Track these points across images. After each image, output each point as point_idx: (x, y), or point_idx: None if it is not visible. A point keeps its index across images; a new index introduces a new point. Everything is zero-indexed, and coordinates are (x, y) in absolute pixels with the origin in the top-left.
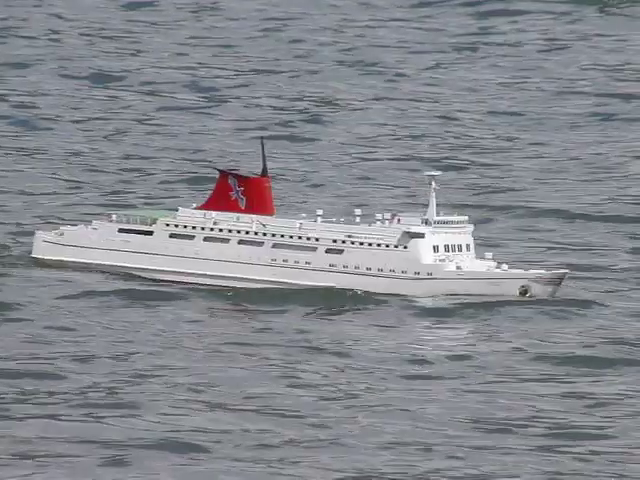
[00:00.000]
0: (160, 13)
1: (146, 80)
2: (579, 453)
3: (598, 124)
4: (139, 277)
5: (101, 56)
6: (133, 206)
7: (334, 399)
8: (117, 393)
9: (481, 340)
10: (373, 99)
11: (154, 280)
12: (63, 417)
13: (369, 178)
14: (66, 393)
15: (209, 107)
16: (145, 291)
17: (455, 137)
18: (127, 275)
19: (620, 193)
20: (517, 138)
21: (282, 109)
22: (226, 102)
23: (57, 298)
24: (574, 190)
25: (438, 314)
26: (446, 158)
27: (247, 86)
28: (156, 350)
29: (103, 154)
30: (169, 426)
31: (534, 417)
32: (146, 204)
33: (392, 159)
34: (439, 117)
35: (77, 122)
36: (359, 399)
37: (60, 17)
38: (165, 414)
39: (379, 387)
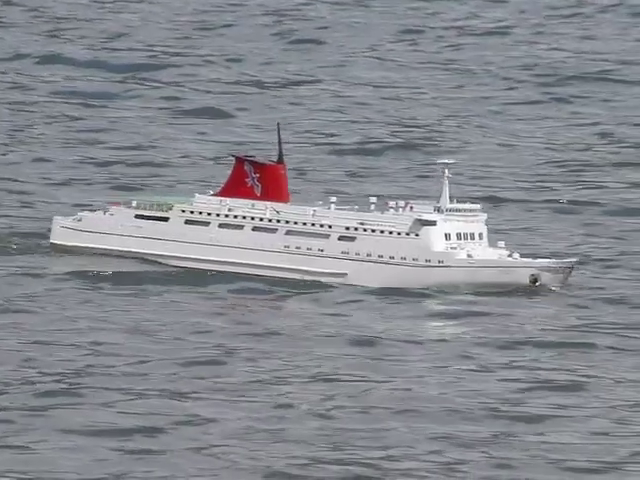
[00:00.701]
0: None
1: (85, 62)
2: (537, 442)
3: (544, 108)
4: (129, 261)
5: (41, 40)
6: (66, 184)
7: (284, 384)
8: (72, 380)
9: (434, 325)
10: (319, 81)
11: (150, 264)
12: (18, 404)
13: (320, 162)
14: (23, 379)
15: (150, 89)
16: (122, 277)
17: (401, 119)
18: (141, 260)
19: (567, 180)
20: (466, 122)
21: (223, 93)
22: (171, 85)
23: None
24: (520, 175)
25: (388, 295)
26: (393, 141)
27: (198, 67)
28: (120, 337)
29: (45, 137)
30: (122, 411)
31: (488, 403)
32: (88, 184)
33: (344, 143)
34: (386, 99)
35: (11, 104)
36: (311, 384)
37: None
38: (118, 400)
39: (332, 371)
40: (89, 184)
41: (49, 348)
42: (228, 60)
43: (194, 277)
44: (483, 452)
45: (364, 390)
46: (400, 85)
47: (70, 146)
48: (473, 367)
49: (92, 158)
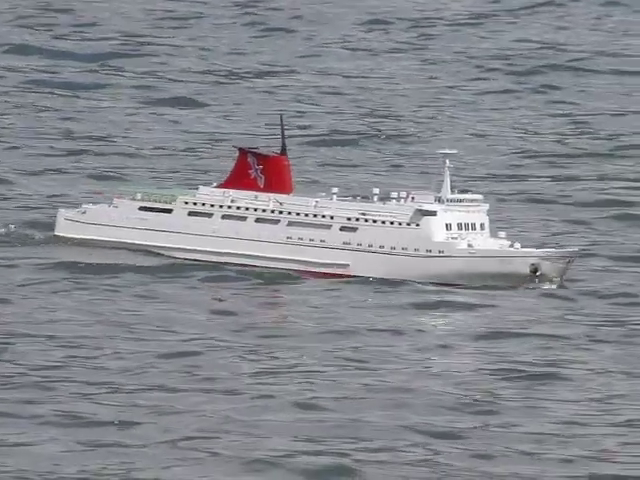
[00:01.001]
0: None
1: (56, 51)
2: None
3: (517, 98)
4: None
5: (11, 29)
6: (39, 174)
7: (263, 375)
8: (49, 372)
9: (414, 315)
10: (291, 71)
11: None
12: None
13: (293, 152)
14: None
15: (121, 79)
16: (104, 268)
17: (374, 110)
18: (145, 253)
19: (540, 170)
20: (438, 112)
21: (195, 83)
22: (143, 75)
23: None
24: (492, 166)
25: (368, 286)
26: (366, 131)
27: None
28: (99, 328)
29: (16, 126)
30: (100, 404)
31: (467, 394)
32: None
33: (316, 134)
34: (359, 89)
35: None
36: (291, 375)
37: None
38: (96, 393)
39: (312, 362)
40: (62, 173)
41: (26, 339)
42: (200, 50)
43: (175, 268)
44: (462, 443)
45: (344, 381)
46: (372, 75)
47: (42, 136)
48: (452, 358)
49: (64, 148)
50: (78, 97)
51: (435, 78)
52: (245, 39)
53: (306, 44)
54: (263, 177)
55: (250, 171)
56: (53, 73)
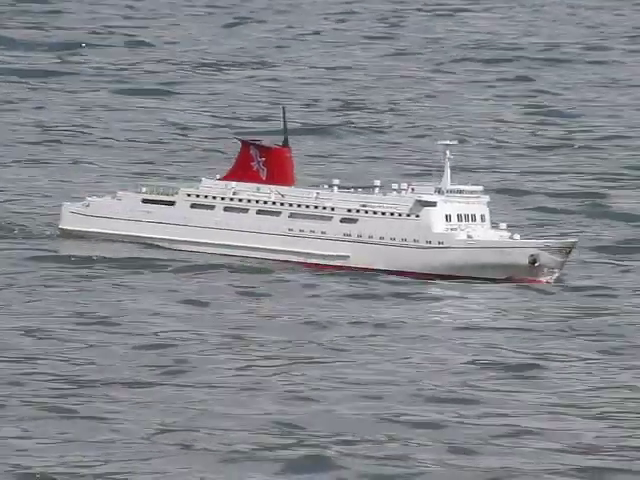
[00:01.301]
0: None
1: (25, 42)
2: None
3: (491, 88)
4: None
5: None
6: (10, 165)
7: (241, 368)
8: (24, 364)
9: (392, 308)
10: (263, 62)
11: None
12: None
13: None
14: None
15: (92, 69)
16: (87, 261)
17: (347, 100)
18: (148, 245)
19: (512, 161)
20: (412, 102)
21: (165, 72)
22: (115, 65)
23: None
24: (467, 158)
25: (345, 277)
26: (338, 122)
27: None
28: (74, 321)
29: None
30: (79, 397)
31: (444, 386)
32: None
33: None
34: (333, 80)
35: None
36: (269, 368)
37: None
38: (75, 386)
39: (289, 355)
40: (35, 163)
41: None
42: (172, 39)
43: (153, 260)
44: (439, 434)
45: (322, 372)
46: (345, 65)
47: (14, 126)
48: (429, 350)
49: (36, 138)
50: (51, 88)
51: (408, 67)
52: (217, 29)
53: (278, 35)
54: (265, 169)
55: (252, 163)
56: (24, 62)
